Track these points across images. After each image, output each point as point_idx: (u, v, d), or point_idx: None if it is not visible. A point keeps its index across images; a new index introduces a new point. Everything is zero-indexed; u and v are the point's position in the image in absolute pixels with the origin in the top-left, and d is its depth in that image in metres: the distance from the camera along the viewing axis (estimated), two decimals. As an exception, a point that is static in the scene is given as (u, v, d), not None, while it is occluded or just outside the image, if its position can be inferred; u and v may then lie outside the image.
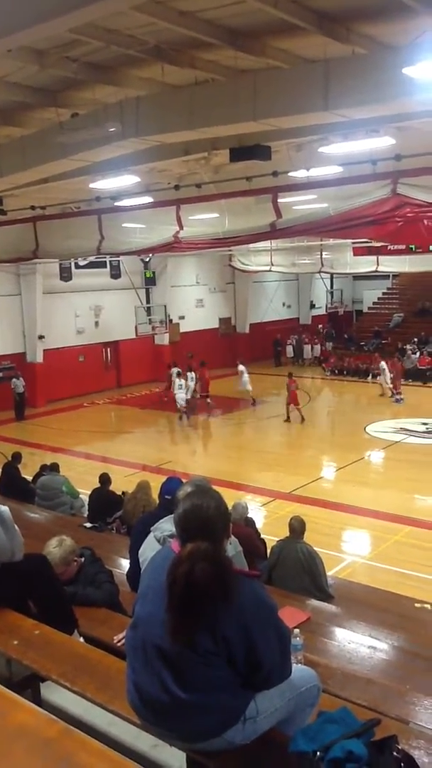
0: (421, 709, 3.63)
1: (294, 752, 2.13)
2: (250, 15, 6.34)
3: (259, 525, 9.67)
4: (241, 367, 23.51)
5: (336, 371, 29.25)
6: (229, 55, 7.20)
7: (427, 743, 2.80)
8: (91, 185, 12.08)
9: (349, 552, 11.22)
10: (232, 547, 3.55)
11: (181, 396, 21.21)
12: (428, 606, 7.79)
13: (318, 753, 2.04)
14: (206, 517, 2.30)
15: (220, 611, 2.24)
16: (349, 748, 1.98)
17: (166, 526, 3.27)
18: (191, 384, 22.29)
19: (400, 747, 2.11)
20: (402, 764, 2.02)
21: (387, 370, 23.81)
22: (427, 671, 5.12)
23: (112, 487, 10.63)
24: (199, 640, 2.25)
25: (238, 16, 6.44)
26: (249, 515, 8.28)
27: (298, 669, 2.54)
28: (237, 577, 2.27)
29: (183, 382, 21.61)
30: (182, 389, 21.27)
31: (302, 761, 2.06)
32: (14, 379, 22.77)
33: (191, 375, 22.64)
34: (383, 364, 24.09)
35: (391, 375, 23.65)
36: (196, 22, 6.47)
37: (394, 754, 2.03)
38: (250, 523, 7.88)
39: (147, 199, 13.10)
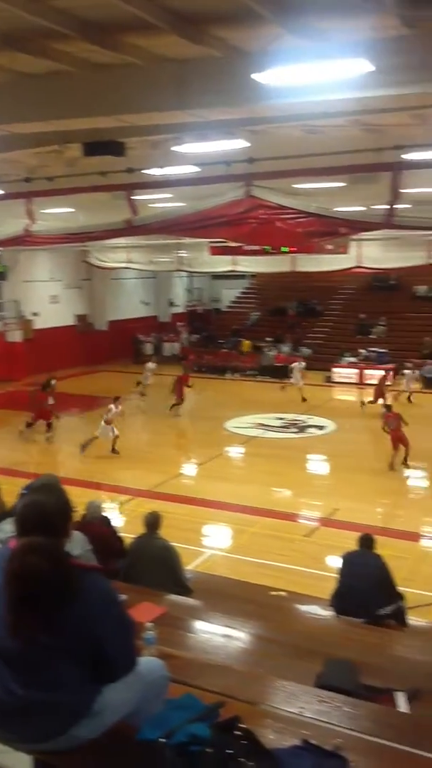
0: (271, 691, 3.77)
1: (140, 741, 2.15)
2: (104, 8, 6.24)
3: (118, 523, 9.62)
4: None
5: (195, 368, 29.65)
6: (84, 48, 7.06)
7: (274, 721, 2.93)
8: None
9: (209, 546, 11.42)
10: (80, 545, 3.52)
11: None
12: (283, 593, 8.08)
13: (163, 739, 2.07)
14: (44, 513, 2.29)
15: (63, 606, 2.21)
16: (192, 731, 2.03)
17: (8, 527, 3.20)
18: None
19: (243, 726, 2.18)
20: (244, 741, 2.09)
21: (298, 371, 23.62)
22: (280, 655, 5.32)
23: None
24: (41, 637, 2.21)
25: (92, 9, 6.32)
26: (105, 514, 8.21)
27: (145, 660, 2.56)
28: (78, 570, 2.26)
29: None
30: None
31: (149, 749, 2.08)
32: None
33: None
34: (296, 364, 23.96)
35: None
36: (47, 10, 6.28)
37: (237, 732, 2.10)
38: (106, 522, 7.82)
39: (-5, 191, 12.63)
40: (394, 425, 15.45)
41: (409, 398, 22.42)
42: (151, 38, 6.98)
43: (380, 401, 19.90)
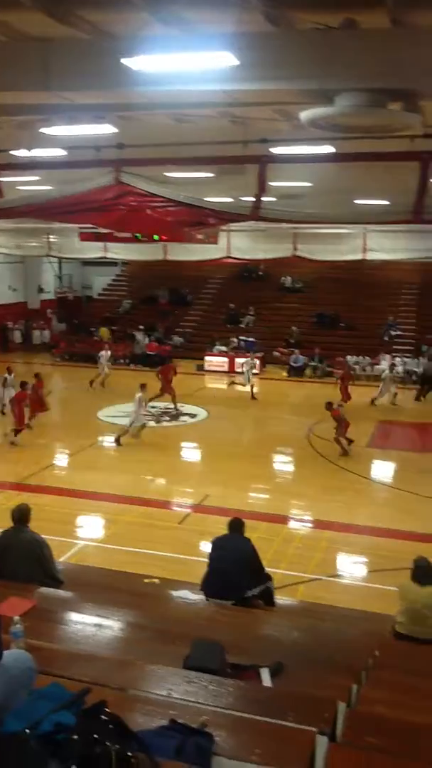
0: (140, 675, 3.83)
1: (5, 733, 2.12)
2: (-37, -22, 5.98)
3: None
4: None
5: (66, 357, 29.12)
6: None
7: (143, 705, 2.99)
8: None
9: (82, 536, 11.30)
10: None
11: None
12: (156, 581, 8.16)
13: (28, 730, 2.06)
14: None
15: None
16: (57, 719, 2.03)
17: None
18: None
19: (108, 711, 2.21)
20: (110, 726, 2.12)
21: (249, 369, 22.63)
22: (151, 641, 5.37)
23: None
24: None
25: None
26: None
27: (10, 653, 2.53)
28: None
29: None
30: None
31: (13, 741, 2.06)
32: None
33: None
34: (247, 359, 22.98)
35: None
36: None
37: (103, 717, 2.13)
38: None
39: None
40: (345, 417, 16.19)
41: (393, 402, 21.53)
42: (16, 14, 6.73)
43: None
